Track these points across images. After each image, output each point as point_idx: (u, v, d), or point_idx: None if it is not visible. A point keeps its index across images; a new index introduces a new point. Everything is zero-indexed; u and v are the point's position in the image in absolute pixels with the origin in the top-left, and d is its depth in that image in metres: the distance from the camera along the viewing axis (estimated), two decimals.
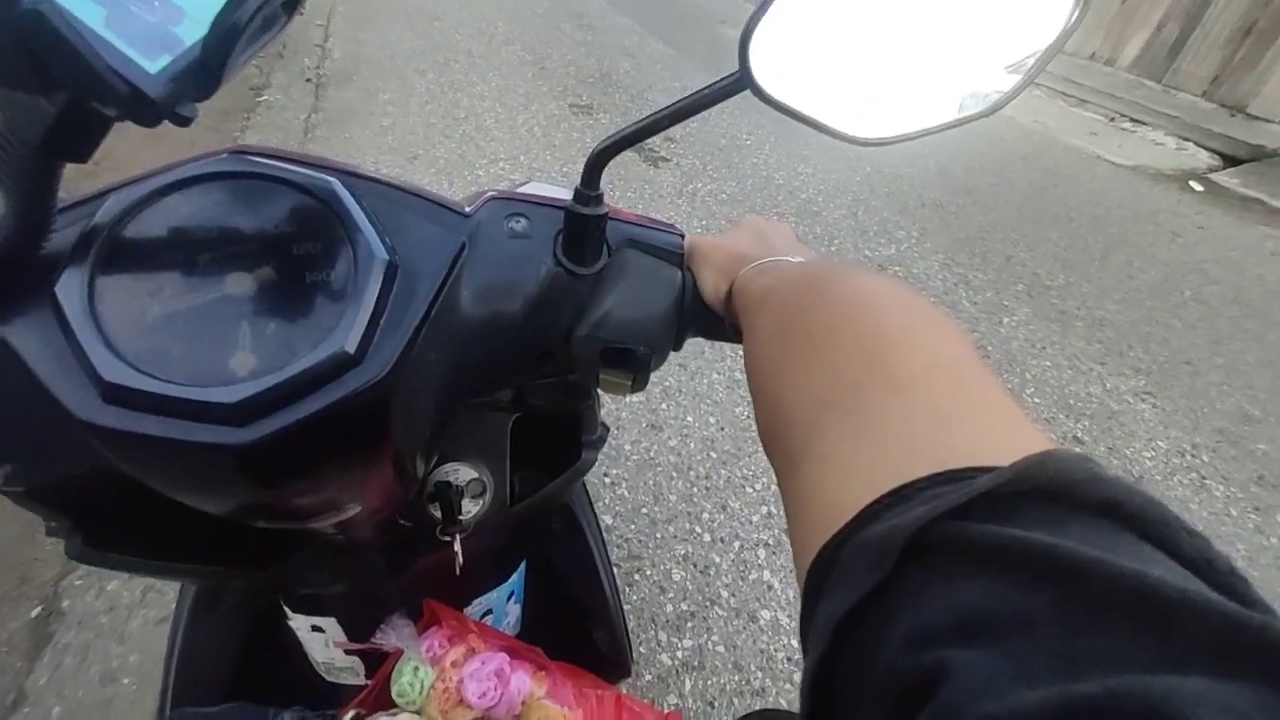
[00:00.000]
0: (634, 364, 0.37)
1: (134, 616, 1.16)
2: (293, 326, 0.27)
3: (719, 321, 0.39)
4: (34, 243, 0.26)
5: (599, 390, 0.43)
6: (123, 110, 0.21)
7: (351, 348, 0.27)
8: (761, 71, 0.29)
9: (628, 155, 3.04)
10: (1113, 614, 0.12)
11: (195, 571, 0.47)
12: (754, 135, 3.41)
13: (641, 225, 0.39)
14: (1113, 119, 4.65)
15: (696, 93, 0.31)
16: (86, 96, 0.20)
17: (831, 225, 2.72)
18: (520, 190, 0.40)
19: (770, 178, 3.06)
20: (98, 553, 0.43)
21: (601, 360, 0.37)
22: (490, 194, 0.38)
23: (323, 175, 0.31)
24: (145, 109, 0.21)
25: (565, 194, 0.38)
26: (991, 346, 2.11)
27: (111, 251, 0.27)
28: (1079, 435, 1.80)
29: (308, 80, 3.27)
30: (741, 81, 0.30)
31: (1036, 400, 1.91)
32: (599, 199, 0.35)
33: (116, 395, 0.24)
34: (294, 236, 0.29)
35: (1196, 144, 4.24)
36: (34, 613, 1.16)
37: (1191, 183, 3.72)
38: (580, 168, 0.35)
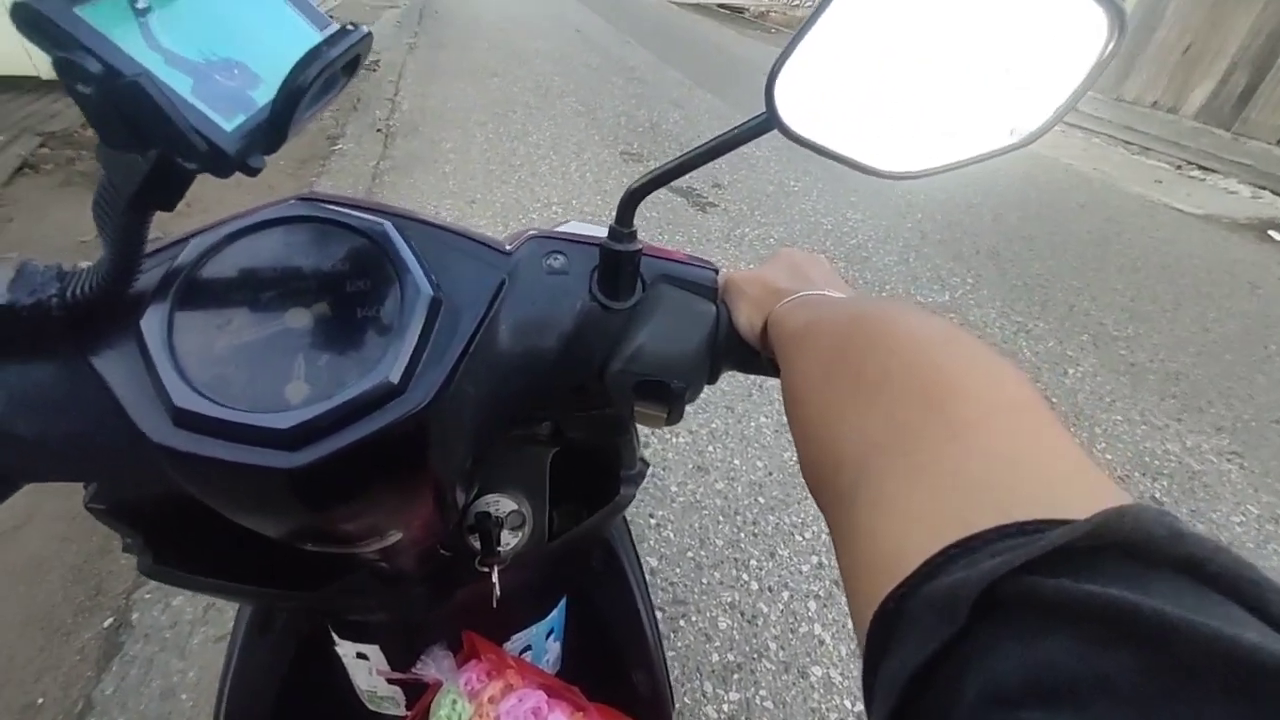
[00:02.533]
0: (668, 397, 0.38)
1: (195, 633, 1.20)
2: (343, 358, 0.29)
3: (755, 355, 0.39)
4: (125, 283, 0.29)
5: (636, 424, 0.44)
6: (202, 164, 0.24)
7: (395, 378, 0.29)
8: (787, 111, 0.30)
9: (676, 200, 3.12)
10: (1204, 680, 0.12)
11: (250, 592, 0.49)
12: (801, 181, 3.44)
13: (675, 260, 0.40)
14: (1179, 167, 4.48)
15: (725, 133, 0.32)
16: (173, 153, 0.23)
17: (882, 271, 2.69)
18: (559, 229, 0.42)
19: (818, 223, 3.06)
20: (165, 569, 0.46)
21: (635, 393, 0.38)
22: (530, 232, 0.40)
23: (377, 218, 0.34)
24: (221, 163, 0.23)
25: (603, 232, 0.39)
26: (1057, 398, 2.01)
27: (189, 290, 0.30)
28: (1158, 495, 1.68)
29: (378, 130, 3.52)
30: (769, 122, 0.31)
31: (1109, 456, 1.79)
32: (633, 235, 0.36)
33: (185, 420, 0.27)
34: (348, 275, 0.31)
35: (1273, 192, 4.02)
36: (106, 623, 1.22)
37: (1271, 232, 3.51)
38: None
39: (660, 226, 2.83)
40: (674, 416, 0.39)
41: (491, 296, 0.34)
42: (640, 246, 0.37)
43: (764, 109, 0.31)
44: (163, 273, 0.30)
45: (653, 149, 3.66)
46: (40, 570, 1.29)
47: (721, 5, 9.93)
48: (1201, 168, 4.42)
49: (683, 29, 7.83)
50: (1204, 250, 3.22)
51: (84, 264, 0.29)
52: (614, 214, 0.37)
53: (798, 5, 10.41)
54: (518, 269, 0.37)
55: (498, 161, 3.30)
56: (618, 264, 0.36)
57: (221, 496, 0.31)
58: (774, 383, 0.40)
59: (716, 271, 0.41)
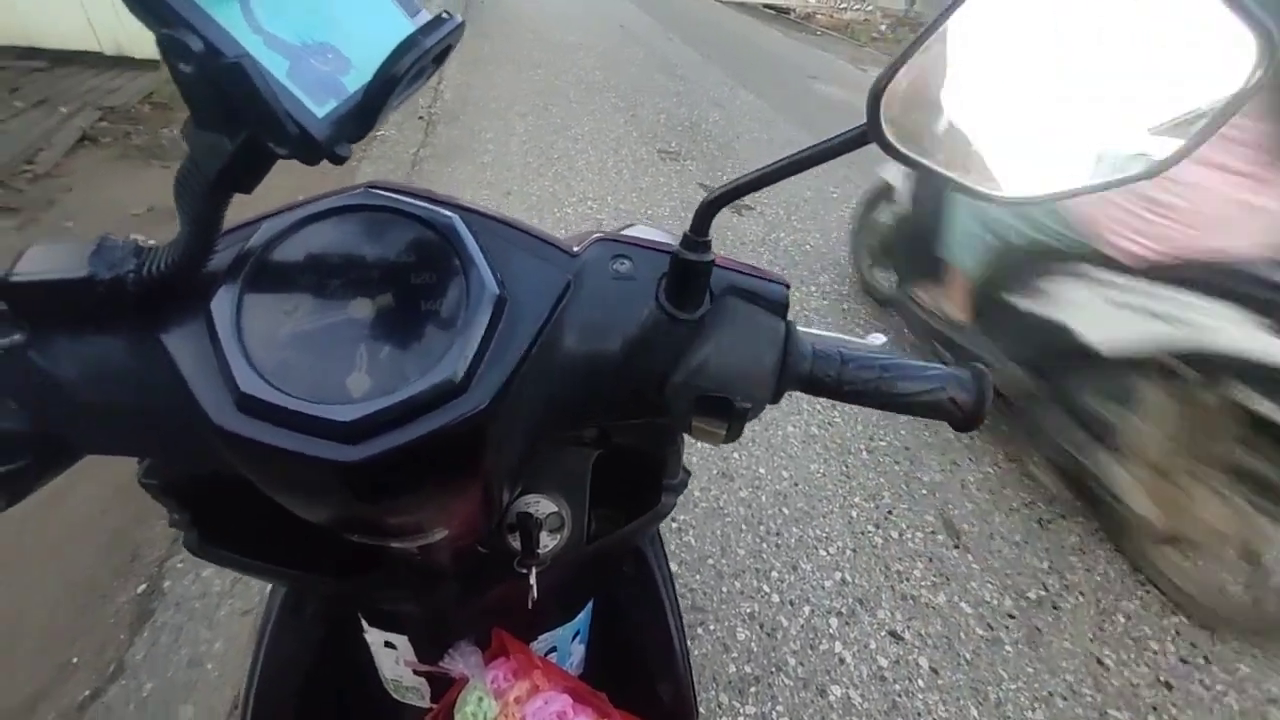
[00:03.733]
0: (730, 414, 0.36)
1: (223, 605, 1.23)
2: (405, 352, 0.29)
3: (821, 377, 0.37)
4: (199, 263, 0.29)
5: (689, 436, 0.43)
6: (291, 149, 0.23)
7: (458, 377, 0.28)
8: (891, 125, 0.28)
9: None
10: None
11: (289, 575, 0.50)
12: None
13: (746, 274, 0.39)
14: None
15: (817, 145, 0.31)
16: (262, 136, 0.23)
17: None
18: (625, 233, 0.41)
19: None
20: (210, 548, 0.46)
21: (696, 408, 0.37)
22: (597, 235, 0.39)
23: (444, 211, 0.33)
24: (311, 149, 0.23)
25: (668, 238, 0.37)
26: None
27: (258, 274, 0.29)
28: None
29: (420, 118, 3.56)
30: (868, 135, 0.29)
31: None
32: (707, 246, 0.35)
33: (248, 405, 0.26)
34: (413, 267, 0.31)
35: None
36: (140, 589, 1.25)
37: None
38: (664, 211, 0.35)
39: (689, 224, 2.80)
40: (732, 434, 0.38)
41: (556, 298, 0.33)
42: (713, 258, 0.35)
43: (839, 125, 0.29)
44: (233, 255, 0.30)
45: (691, 148, 3.63)
46: (80, 537, 1.33)
47: (767, 5, 9.81)
48: None
49: (727, 28, 7.77)
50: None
51: (155, 242, 0.28)
52: (687, 222, 0.35)
53: (845, 8, 10.24)
54: (583, 272, 0.36)
55: (536, 154, 3.31)
56: (689, 274, 0.35)
57: (275, 482, 0.31)
58: (827, 398, 0.39)
59: (787, 287, 0.39)
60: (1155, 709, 1.22)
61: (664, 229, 0.47)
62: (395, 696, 0.71)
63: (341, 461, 0.26)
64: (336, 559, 0.48)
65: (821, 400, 2.06)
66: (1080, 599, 1.41)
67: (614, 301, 0.36)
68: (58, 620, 1.19)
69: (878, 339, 0.43)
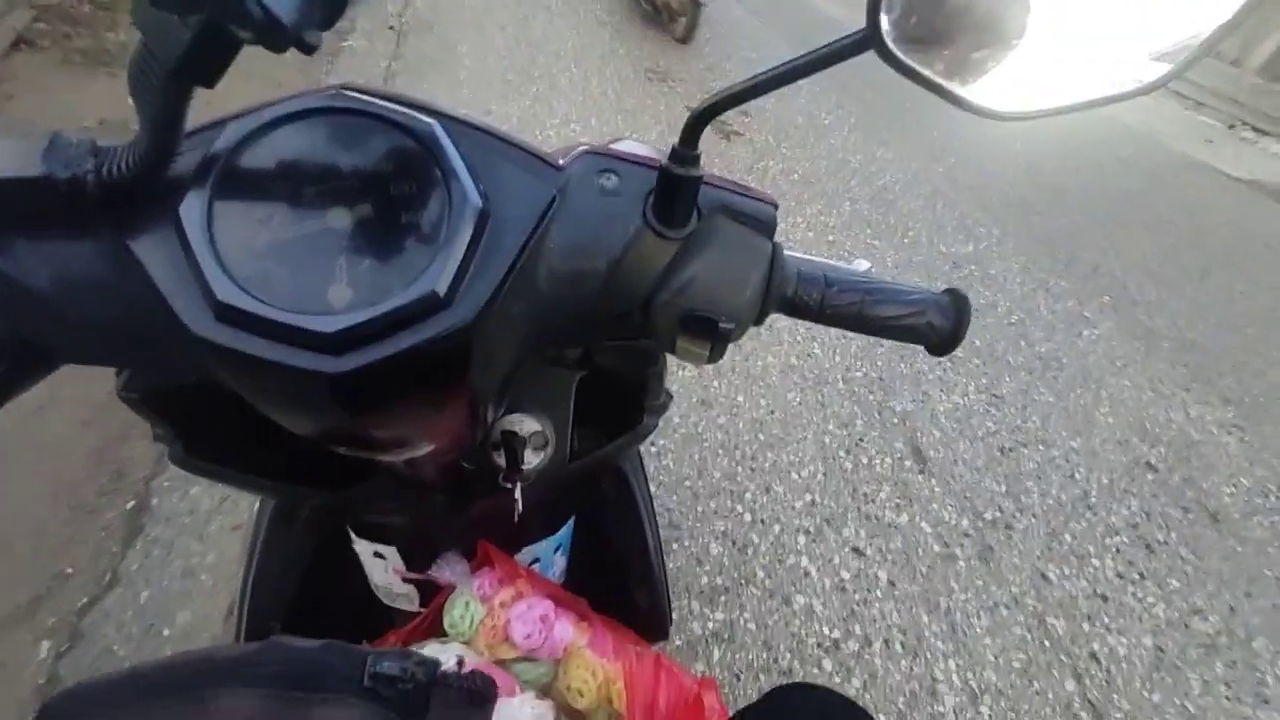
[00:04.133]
0: (714, 335, 0.36)
1: (212, 521, 1.26)
2: (386, 264, 0.28)
3: (806, 301, 0.38)
4: (162, 164, 0.27)
5: (673, 357, 0.43)
6: (255, 33, 0.21)
7: (442, 291, 0.28)
8: (891, 31, 0.27)
9: None
10: None
11: (277, 488, 0.50)
12: (834, 115, 3.28)
13: (734, 192, 0.38)
14: (1233, 126, 4.24)
15: (813, 51, 0.29)
16: (223, 19, 0.21)
17: (907, 216, 2.61)
18: (614, 146, 0.40)
19: (846, 160, 2.94)
20: (195, 461, 0.47)
21: (681, 328, 0.37)
22: (584, 148, 0.38)
23: (424, 117, 0.32)
24: (276, 32, 0.21)
25: (656, 153, 0.36)
26: (1067, 359, 2.00)
27: (228, 178, 0.28)
28: (1152, 461, 1.70)
29: (390, 28, 3.32)
30: (867, 41, 0.28)
31: (1111, 420, 1.81)
32: (696, 159, 0.34)
33: (228, 315, 0.26)
34: (392, 176, 0.30)
35: None
36: (128, 505, 1.28)
37: None
38: (650, 136, 0.33)
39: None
40: (715, 355, 0.38)
41: (541, 212, 0.33)
42: (702, 173, 0.34)
43: (827, 38, 0.28)
44: (199, 158, 0.28)
45: (679, 69, 3.46)
46: (63, 451, 1.33)
47: None
48: (1256, 129, 4.19)
49: None
50: (1242, 218, 3.10)
51: (113, 142, 0.27)
52: (677, 135, 0.34)
53: None
54: (569, 186, 0.35)
55: (515, 70, 3.13)
56: (677, 189, 0.34)
57: (258, 393, 0.31)
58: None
59: (775, 206, 0.38)
60: (1089, 617, 1.33)
61: (652, 145, 0.46)
62: (386, 602, 0.74)
63: (328, 373, 0.27)
64: (323, 472, 0.49)
65: (801, 331, 2.10)
66: (1032, 520, 1.50)
67: (600, 217, 0.35)
68: (48, 534, 1.22)
69: (862, 264, 0.44)
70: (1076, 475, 1.63)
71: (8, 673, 1.05)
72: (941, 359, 1.90)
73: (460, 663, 0.35)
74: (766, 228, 0.38)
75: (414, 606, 0.73)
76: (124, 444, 1.34)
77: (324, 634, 0.66)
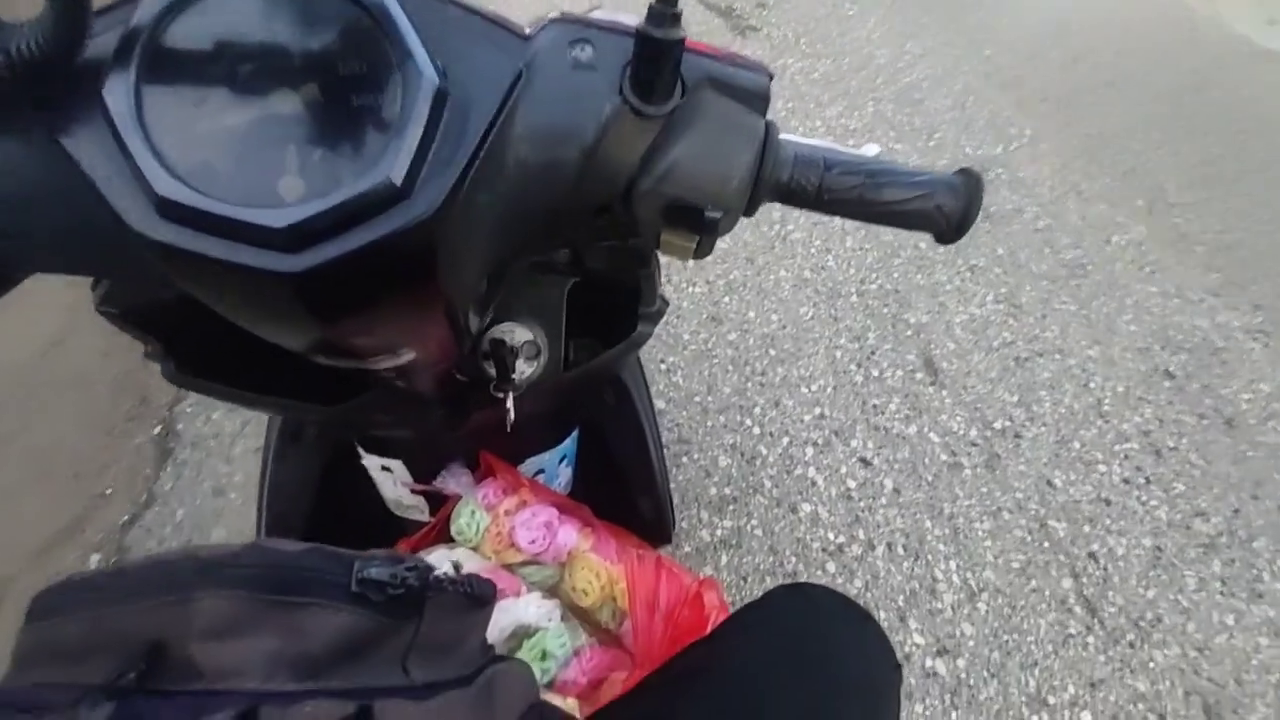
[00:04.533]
0: (700, 225, 0.34)
1: (236, 443, 1.31)
2: (340, 152, 0.26)
3: (803, 186, 0.35)
4: (76, 39, 0.25)
5: (660, 255, 0.41)
6: None
7: (398, 179, 0.26)
8: None
9: (713, 21, 2.77)
10: None
11: (271, 403, 0.50)
12: (859, 4, 3.01)
13: (722, 60, 0.34)
14: None
15: None
16: None
17: (933, 116, 2.44)
18: (590, 14, 0.36)
19: (872, 56, 2.72)
20: (188, 378, 0.47)
21: (664, 218, 0.34)
22: (553, 16, 0.34)
23: None
24: None
25: (636, 21, 0.33)
26: (1093, 266, 1.92)
27: (154, 57, 0.25)
28: (1171, 369, 1.67)
29: None
30: None
31: (1133, 328, 1.75)
32: (676, 20, 0.29)
33: (170, 211, 0.24)
34: (340, 54, 0.27)
35: None
36: (155, 430, 1.33)
37: None
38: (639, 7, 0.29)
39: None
40: (703, 249, 0.35)
41: (506, 90, 0.30)
42: (684, 36, 0.30)
43: None
44: (118, 35, 0.26)
45: None
46: (86, 381, 1.37)
47: None
48: None
49: None
50: None
51: (13, 19, 0.25)
52: None
53: None
54: (536, 59, 0.31)
55: None
56: (656, 55, 0.30)
57: (219, 298, 0.30)
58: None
59: (770, 77, 0.34)
60: (1091, 520, 1.36)
61: (633, 12, 0.41)
62: (397, 514, 0.77)
63: (283, 272, 0.25)
64: (320, 387, 0.49)
65: (816, 244, 2.02)
66: (1042, 429, 1.50)
67: (572, 95, 0.32)
68: (83, 458, 1.28)
69: (872, 149, 0.40)
70: (1091, 384, 1.61)
71: None
72: (962, 270, 1.84)
73: (456, 568, 0.35)
74: (759, 102, 0.34)
75: (425, 517, 0.76)
76: (145, 371, 1.38)
77: (340, 546, 0.69)
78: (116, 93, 0.25)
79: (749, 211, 0.36)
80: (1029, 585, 1.25)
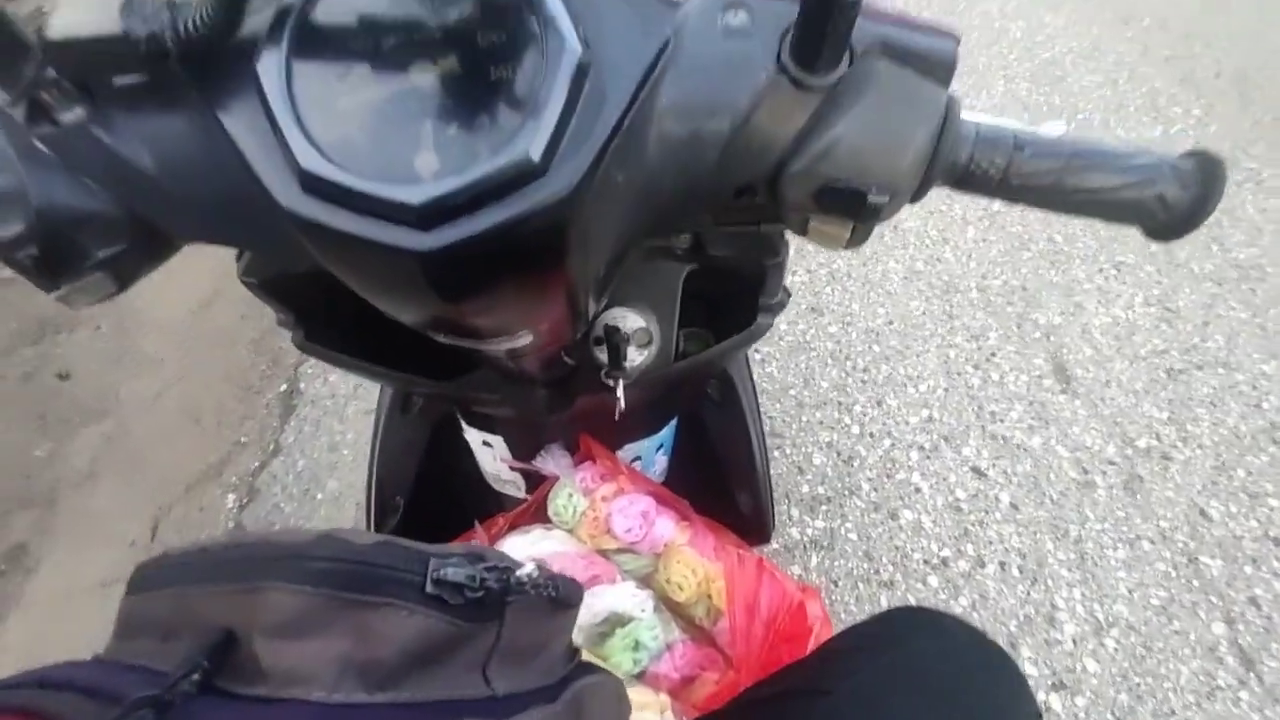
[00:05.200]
0: (860, 211, 0.30)
1: (349, 405, 1.41)
2: (476, 127, 0.25)
3: (984, 167, 0.30)
4: (234, 20, 0.25)
5: (802, 239, 0.37)
6: None
7: (536, 156, 0.24)
8: None
9: None
10: None
11: (388, 376, 0.52)
12: None
13: (901, 24, 0.30)
14: None
15: None
16: None
17: (1077, 95, 2.18)
18: None
19: (1005, 29, 2.47)
20: (314, 346, 0.49)
21: (817, 202, 0.30)
22: None
23: None
24: None
25: None
26: (1274, 268, 1.65)
27: (304, 32, 0.26)
28: None
29: None
30: None
31: None
32: None
33: (312, 185, 0.24)
34: (480, 23, 0.26)
35: None
36: (282, 388, 1.46)
37: None
38: None
39: None
40: (858, 238, 0.32)
41: (652, 60, 0.27)
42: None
43: None
44: (273, 11, 0.26)
45: None
46: (229, 341, 1.52)
47: None
48: None
49: None
50: None
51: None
52: None
53: None
54: (685, 26, 0.29)
55: None
56: (824, 19, 0.26)
57: (353, 273, 0.30)
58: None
59: (957, 41, 0.30)
60: (1255, 560, 1.17)
61: None
62: (495, 488, 0.79)
63: (416, 250, 0.24)
64: (433, 362, 0.50)
65: (932, 234, 1.89)
66: (1198, 451, 1.31)
67: (724, 64, 0.29)
68: (225, 410, 1.42)
69: (1056, 126, 0.34)
70: (1265, 405, 1.38)
71: (207, 516, 1.28)
72: (1105, 267, 1.63)
73: (540, 567, 0.32)
74: (943, 71, 0.30)
75: (521, 493, 0.77)
76: (276, 334, 1.51)
77: (442, 511, 0.71)
78: (269, 69, 0.25)
79: (917, 197, 0.31)
80: (1170, 626, 1.10)
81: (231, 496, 1.30)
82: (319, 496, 1.29)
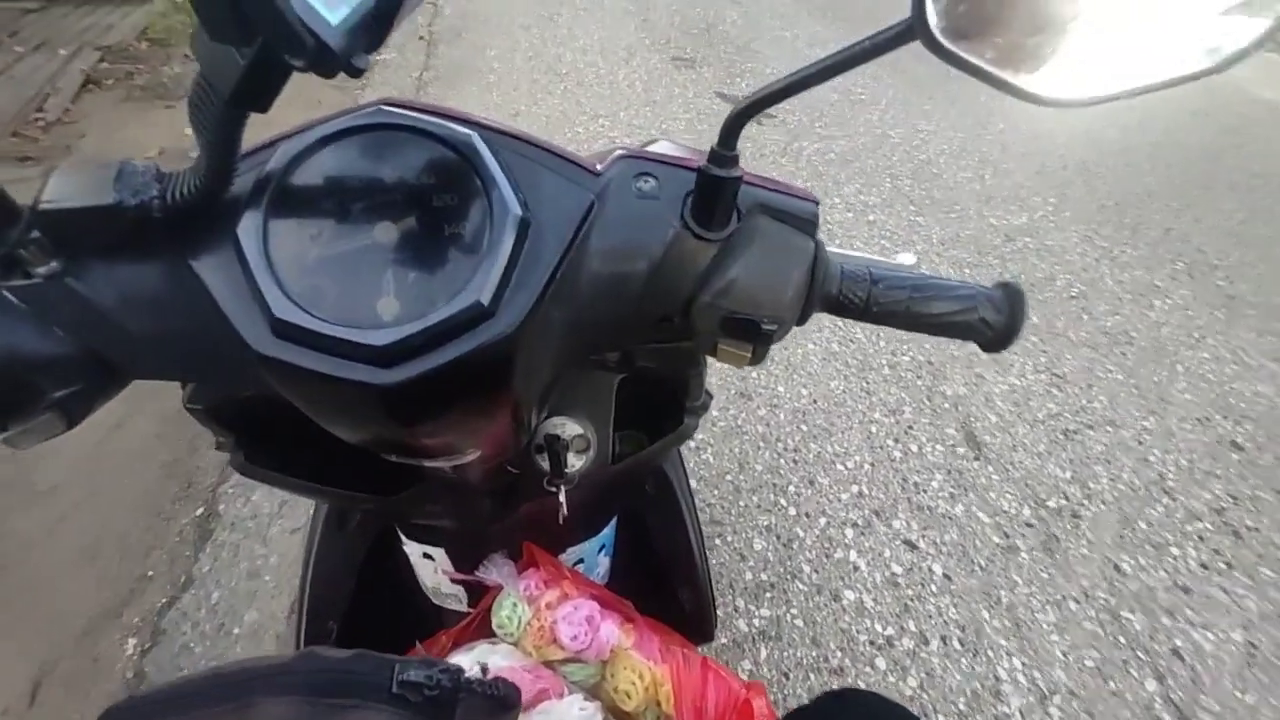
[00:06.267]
0: (756, 336, 0.36)
1: (273, 525, 1.32)
2: (432, 276, 0.29)
3: (851, 299, 0.36)
4: (222, 185, 0.28)
5: (714, 360, 0.43)
6: (307, 60, 0.22)
7: (486, 301, 0.28)
8: (938, 20, 0.25)
9: (728, 109, 2.93)
10: None
11: (329, 494, 0.53)
12: (869, 89, 3.16)
13: (774, 190, 0.37)
14: None
15: (855, 44, 0.28)
16: (276, 47, 0.22)
17: (953, 189, 2.50)
18: (649, 149, 0.39)
19: (886, 135, 2.83)
20: (255, 468, 0.49)
21: (722, 330, 0.36)
22: (620, 152, 0.38)
23: (462, 129, 0.32)
24: (327, 59, 0.22)
25: (691, 154, 0.36)
26: (1137, 333, 1.88)
27: (281, 197, 0.29)
28: (1238, 440, 1.58)
29: (420, 38, 3.38)
30: (912, 32, 0.26)
31: (1189, 397, 1.68)
32: (735, 160, 0.33)
33: (284, 330, 0.27)
34: (434, 188, 0.30)
35: None
36: (198, 512, 1.35)
37: None
38: (679, 126, 0.33)
39: (708, 139, 2.67)
40: (758, 357, 0.37)
41: (581, 219, 0.33)
42: (741, 174, 0.33)
43: (907, 14, 0.26)
44: (254, 179, 0.30)
45: (707, 53, 3.40)
46: (141, 462, 1.42)
47: None
48: None
49: None
50: None
51: (174, 169, 0.28)
52: (709, 136, 0.34)
53: None
54: (607, 190, 0.35)
55: (543, 69, 3.14)
56: (716, 191, 0.34)
57: (313, 404, 0.32)
58: (854, 320, 0.38)
59: (816, 204, 0.37)
60: (1170, 611, 1.25)
61: (686, 145, 0.45)
62: (435, 602, 0.76)
63: (378, 385, 0.27)
64: (375, 477, 0.50)
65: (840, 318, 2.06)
66: (1101, 507, 1.42)
67: (638, 221, 0.35)
68: (131, 538, 1.30)
69: (907, 258, 0.42)
70: (1151, 458, 1.53)
71: (101, 667, 1.14)
72: None
73: (484, 670, 0.36)
74: (808, 225, 0.37)
75: (463, 606, 0.74)
76: (193, 455, 1.43)
77: (378, 633, 0.68)
78: (248, 228, 0.28)
79: (800, 321, 0.37)
80: (1107, 687, 1.14)
81: (132, 641, 1.16)
82: (235, 631, 1.17)
